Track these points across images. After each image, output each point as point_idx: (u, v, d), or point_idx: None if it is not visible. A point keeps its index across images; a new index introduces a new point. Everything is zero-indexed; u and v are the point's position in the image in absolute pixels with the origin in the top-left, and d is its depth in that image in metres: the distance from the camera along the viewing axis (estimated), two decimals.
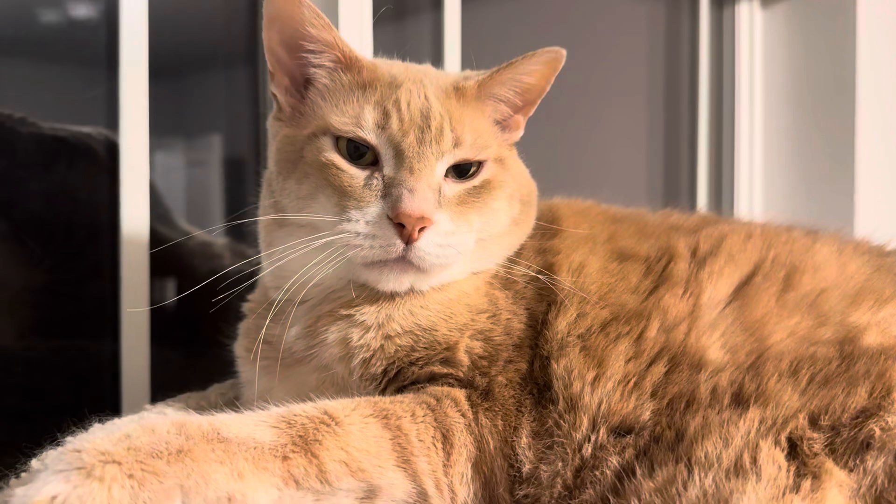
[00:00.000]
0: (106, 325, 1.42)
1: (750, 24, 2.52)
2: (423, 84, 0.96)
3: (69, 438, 0.73)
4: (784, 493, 0.70)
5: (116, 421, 0.76)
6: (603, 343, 0.88)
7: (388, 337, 0.93)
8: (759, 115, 2.50)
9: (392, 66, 1.01)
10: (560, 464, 0.83)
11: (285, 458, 0.76)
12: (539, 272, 0.96)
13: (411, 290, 0.94)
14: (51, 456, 0.71)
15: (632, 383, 0.84)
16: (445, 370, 0.91)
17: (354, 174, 0.92)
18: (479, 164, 0.96)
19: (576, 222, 1.05)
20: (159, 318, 1.46)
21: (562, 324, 0.91)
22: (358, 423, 0.82)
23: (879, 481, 0.71)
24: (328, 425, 0.80)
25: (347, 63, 0.97)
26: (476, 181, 0.96)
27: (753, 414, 0.77)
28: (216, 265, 1.62)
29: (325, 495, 0.78)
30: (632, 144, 2.49)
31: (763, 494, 0.70)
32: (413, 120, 0.92)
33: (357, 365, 0.93)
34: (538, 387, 0.88)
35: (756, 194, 2.48)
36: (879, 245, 1.02)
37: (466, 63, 1.78)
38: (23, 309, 1.45)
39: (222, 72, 1.74)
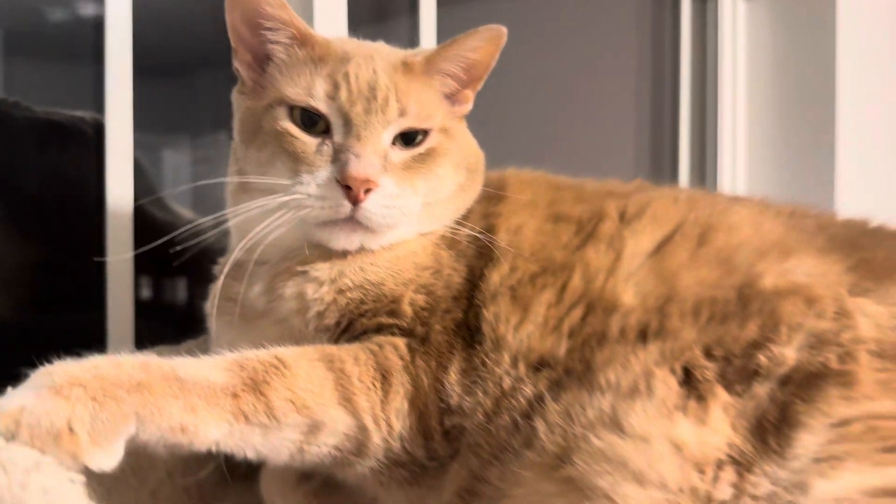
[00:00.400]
0: (94, 298, 1.50)
1: (733, 15, 2.58)
2: (372, 59, 1.04)
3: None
4: (671, 412, 0.78)
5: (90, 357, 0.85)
6: (530, 292, 0.95)
7: (340, 291, 1.01)
8: (742, 101, 2.57)
9: (345, 43, 1.09)
10: (482, 395, 0.91)
11: (235, 395, 0.84)
12: (480, 233, 1.04)
13: (361, 249, 1.02)
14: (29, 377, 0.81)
15: (551, 326, 0.92)
16: (391, 321, 1.00)
17: (307, 141, 1.00)
18: (425, 133, 1.04)
19: (521, 190, 1.12)
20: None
21: (495, 277, 0.98)
22: (305, 366, 0.90)
23: (763, 404, 0.77)
24: (277, 368, 0.88)
25: (302, 39, 1.04)
26: (421, 149, 1.03)
27: (653, 347, 0.84)
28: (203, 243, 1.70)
29: (273, 430, 0.86)
30: (618, 126, 2.57)
31: (651, 412, 0.78)
32: (361, 91, 1.00)
33: (312, 317, 1.01)
34: (470, 331, 0.96)
35: (739, 175, 2.55)
36: (803, 208, 1.09)
37: None
38: (18, 284, 1.54)
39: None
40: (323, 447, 0.90)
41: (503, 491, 0.86)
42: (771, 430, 0.75)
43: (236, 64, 1.10)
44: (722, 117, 2.55)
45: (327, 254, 1.03)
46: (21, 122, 1.52)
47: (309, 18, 1.59)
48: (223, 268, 1.17)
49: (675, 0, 2.58)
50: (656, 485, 0.74)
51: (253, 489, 1.12)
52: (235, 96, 1.13)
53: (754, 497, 0.72)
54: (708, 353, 0.82)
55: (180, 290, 1.71)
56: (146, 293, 1.58)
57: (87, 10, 1.53)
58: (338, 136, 1.00)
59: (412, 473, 0.94)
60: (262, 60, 1.08)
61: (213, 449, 0.85)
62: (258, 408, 0.85)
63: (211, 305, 1.16)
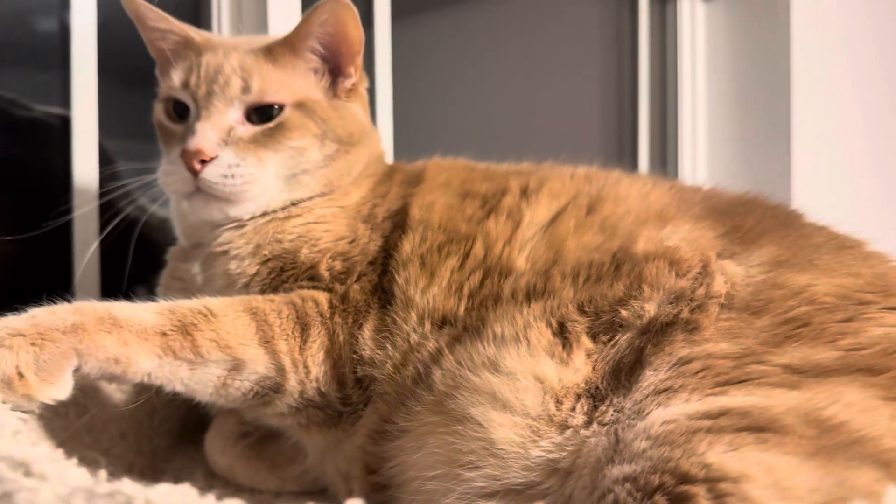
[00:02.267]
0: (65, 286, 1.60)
1: (692, 16, 2.68)
2: (235, 47, 1.16)
3: None
4: (539, 354, 0.88)
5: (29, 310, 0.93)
6: (437, 259, 1.05)
7: (261, 263, 1.12)
8: (702, 97, 2.67)
9: (225, 39, 1.22)
10: (391, 349, 1.01)
11: (164, 334, 0.94)
12: (399, 210, 1.15)
13: (230, 217, 1.13)
14: None
15: (453, 289, 1.02)
16: (311, 284, 1.09)
17: (173, 128, 1.15)
18: (281, 108, 1.13)
19: (438, 173, 1.22)
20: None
21: (407, 246, 1.08)
22: (231, 315, 1.00)
23: (622, 350, 0.87)
24: (205, 315, 0.98)
25: (184, 41, 1.18)
26: (271, 124, 1.12)
27: (536, 305, 0.94)
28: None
29: (199, 365, 0.95)
30: (582, 122, 2.67)
31: (523, 355, 0.88)
32: (207, 75, 1.12)
33: (240, 289, 1.11)
34: (385, 294, 1.06)
35: (699, 167, 2.64)
36: (695, 185, 1.19)
37: (397, 75, 1.96)
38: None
39: None
40: (245, 383, 0.99)
41: (406, 429, 0.95)
42: (625, 371, 0.85)
43: (157, 72, 1.25)
44: (682, 113, 2.66)
45: (242, 233, 1.14)
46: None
47: (263, 27, 1.69)
48: (172, 253, 1.28)
49: (635, 2, 2.68)
50: (520, 412, 0.84)
51: (200, 450, 1.21)
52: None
53: (601, 423, 0.81)
54: (581, 310, 0.92)
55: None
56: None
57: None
58: (191, 118, 1.13)
59: (328, 417, 1.04)
60: (167, 65, 1.20)
61: (146, 380, 0.94)
62: (185, 345, 0.94)
63: (162, 287, 1.27)
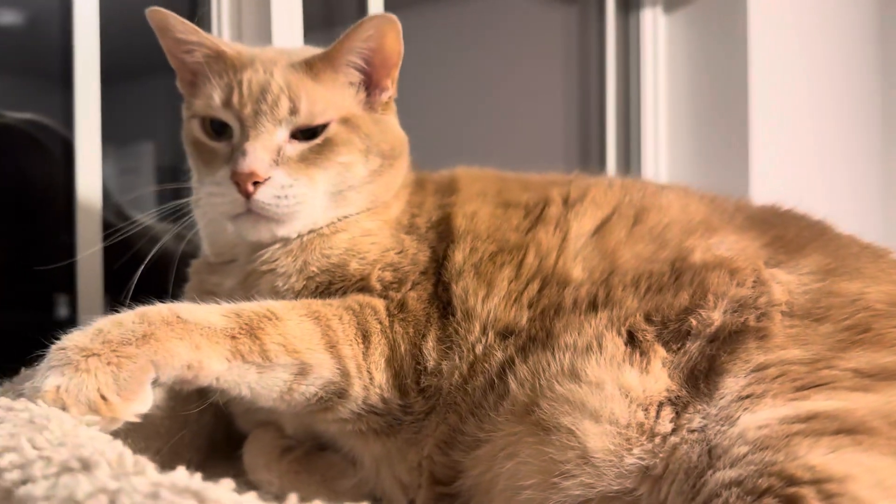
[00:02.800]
0: (64, 297, 1.56)
1: (654, 26, 2.77)
2: (274, 62, 1.13)
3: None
4: (619, 364, 0.91)
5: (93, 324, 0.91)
6: (491, 269, 1.07)
7: (308, 278, 1.11)
8: (663, 102, 2.76)
9: (260, 51, 1.18)
10: (458, 360, 1.02)
11: (233, 337, 0.93)
12: (440, 220, 1.16)
13: (278, 238, 1.12)
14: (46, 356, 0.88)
15: (513, 298, 1.03)
16: (363, 294, 1.09)
17: (214, 147, 1.12)
18: (325, 126, 1.11)
19: (471, 183, 1.23)
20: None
21: (459, 256, 1.09)
22: (295, 319, 1.00)
23: (694, 357, 0.91)
24: (270, 319, 0.97)
25: (215, 54, 1.15)
26: (318, 140, 1.10)
27: (602, 314, 0.97)
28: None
29: (267, 369, 0.95)
30: (553, 126, 2.73)
31: (603, 364, 0.91)
32: (252, 94, 1.09)
33: None
34: (442, 304, 1.07)
35: (661, 169, 2.74)
36: (723, 196, 1.24)
37: None
38: None
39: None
40: (310, 387, 0.99)
41: (480, 439, 0.97)
42: (702, 378, 0.89)
43: (178, 84, 1.22)
44: (644, 115, 2.75)
45: (288, 251, 1.13)
46: None
47: (266, 26, 1.68)
48: (196, 268, 1.26)
49: (601, 13, 2.75)
50: (609, 421, 0.87)
51: (231, 466, 1.19)
52: (183, 112, 1.23)
53: (690, 430, 0.85)
54: (648, 319, 0.96)
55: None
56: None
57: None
58: (235, 138, 1.11)
59: (388, 424, 1.04)
60: (194, 76, 1.18)
61: (213, 384, 0.93)
62: (253, 349, 0.94)
63: (188, 299, 1.25)
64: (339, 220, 1.15)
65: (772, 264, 1.01)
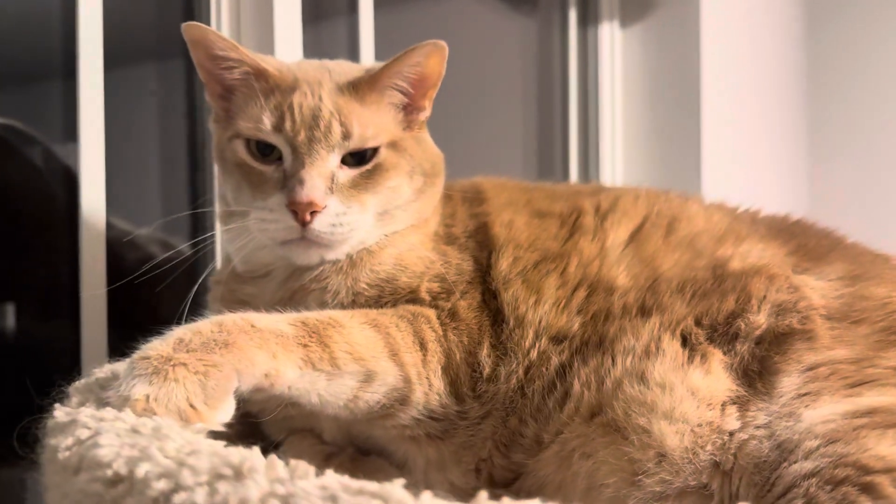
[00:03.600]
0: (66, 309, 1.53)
1: (611, 39, 2.88)
2: (320, 84, 1.12)
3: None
4: (683, 365, 0.97)
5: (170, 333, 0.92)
6: (537, 277, 1.11)
7: (357, 294, 1.12)
8: (619, 108, 2.89)
9: (298, 69, 1.16)
10: (514, 365, 1.06)
11: (305, 345, 0.94)
12: (477, 229, 1.19)
13: (326, 261, 1.12)
14: (123, 366, 0.88)
15: (562, 304, 1.08)
16: (414, 305, 1.12)
17: (262, 170, 1.10)
18: (375, 150, 1.12)
19: (497, 193, 1.26)
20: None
21: (504, 265, 1.13)
22: (357, 326, 1.01)
23: (745, 358, 0.98)
24: (334, 326, 0.99)
25: (256, 73, 1.13)
26: (369, 166, 1.11)
27: (654, 319, 1.02)
28: (142, 255, 1.74)
29: (335, 377, 0.97)
30: (519, 131, 2.82)
31: (668, 366, 0.96)
32: (304, 120, 1.08)
33: None
34: (492, 312, 1.10)
35: (618, 170, 2.87)
36: (736, 207, 1.31)
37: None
38: None
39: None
40: (374, 395, 1.01)
41: (543, 440, 1.02)
42: (757, 378, 0.96)
43: (207, 96, 1.20)
44: (602, 123, 2.88)
45: (337, 268, 1.13)
46: None
47: (269, 18, 1.68)
48: (220, 278, 1.26)
49: (563, 27, 2.85)
50: (682, 420, 0.93)
51: None
52: (211, 125, 1.22)
53: (756, 426, 0.91)
54: (698, 323, 1.02)
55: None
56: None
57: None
58: (287, 163, 1.09)
59: (444, 430, 1.07)
60: (228, 91, 1.17)
61: (286, 392, 0.94)
62: (323, 357, 0.95)
63: (213, 313, 1.23)
64: (386, 236, 1.16)
65: (798, 271, 1.08)
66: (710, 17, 2.73)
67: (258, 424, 1.15)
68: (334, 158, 1.09)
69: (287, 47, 1.71)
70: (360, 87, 1.13)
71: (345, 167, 1.10)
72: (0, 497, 1.53)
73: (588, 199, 1.22)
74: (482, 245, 1.17)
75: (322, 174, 1.07)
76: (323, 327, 0.98)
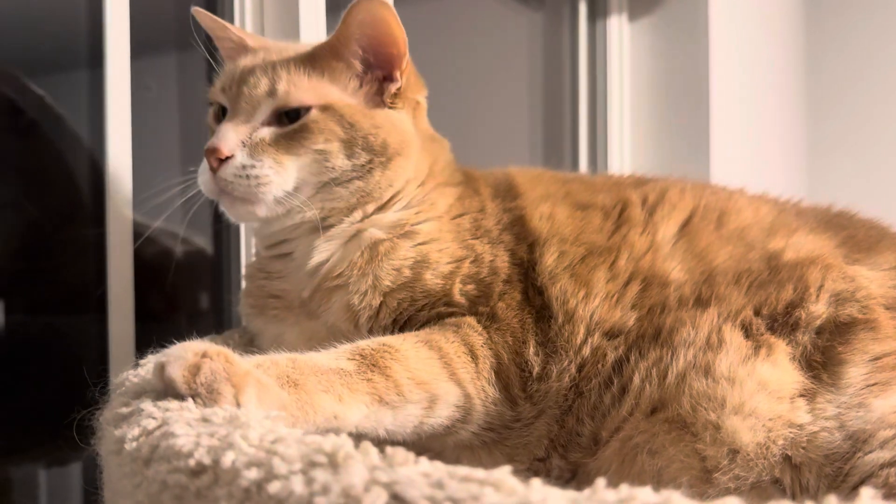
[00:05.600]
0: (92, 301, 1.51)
1: (619, 33, 2.88)
2: (279, 52, 1.15)
3: None
4: (749, 358, 0.96)
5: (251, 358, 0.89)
6: (585, 271, 1.09)
7: (385, 294, 1.09)
8: (628, 103, 2.89)
9: (277, 43, 1.22)
10: (566, 362, 1.04)
11: (369, 380, 0.92)
12: (512, 222, 1.16)
13: (259, 218, 1.13)
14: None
15: (614, 299, 1.06)
16: (451, 309, 1.09)
17: (214, 130, 1.16)
18: (307, 111, 1.10)
19: (531, 185, 1.23)
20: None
21: (549, 260, 1.10)
22: (411, 349, 0.99)
23: (807, 348, 0.97)
24: (390, 353, 0.96)
25: (240, 47, 1.20)
26: (294, 126, 1.09)
27: (713, 310, 1.01)
28: (154, 248, 1.71)
29: (401, 407, 0.94)
30: (530, 121, 2.83)
31: (734, 359, 0.95)
32: (237, 77, 1.13)
33: (365, 321, 1.10)
34: (535, 309, 1.08)
35: (625, 159, 2.87)
36: (778, 198, 1.30)
37: None
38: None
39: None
40: (438, 418, 0.99)
41: (601, 438, 1.00)
42: (821, 368, 0.95)
43: None
44: (611, 114, 2.88)
45: (361, 266, 1.11)
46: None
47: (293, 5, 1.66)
48: (252, 271, 1.25)
49: (573, 20, 2.85)
50: (753, 415, 0.92)
51: None
52: None
53: (825, 417, 0.91)
54: (757, 313, 1.01)
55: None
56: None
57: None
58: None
59: (499, 435, 1.05)
60: None
61: (353, 431, 0.90)
62: (389, 388, 0.93)
63: (245, 305, 1.23)
64: (394, 230, 1.13)
65: (849, 262, 1.07)
66: (718, 10, 2.73)
67: None
68: (259, 115, 1.11)
69: (311, 34, 1.69)
70: (315, 54, 1.13)
71: (273, 126, 1.11)
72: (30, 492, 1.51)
73: (633, 191, 1.20)
74: (519, 238, 1.14)
75: (237, 126, 1.10)
76: (380, 355, 0.96)
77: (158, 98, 1.80)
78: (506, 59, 2.79)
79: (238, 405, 0.78)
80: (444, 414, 0.99)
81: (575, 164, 2.83)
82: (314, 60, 1.12)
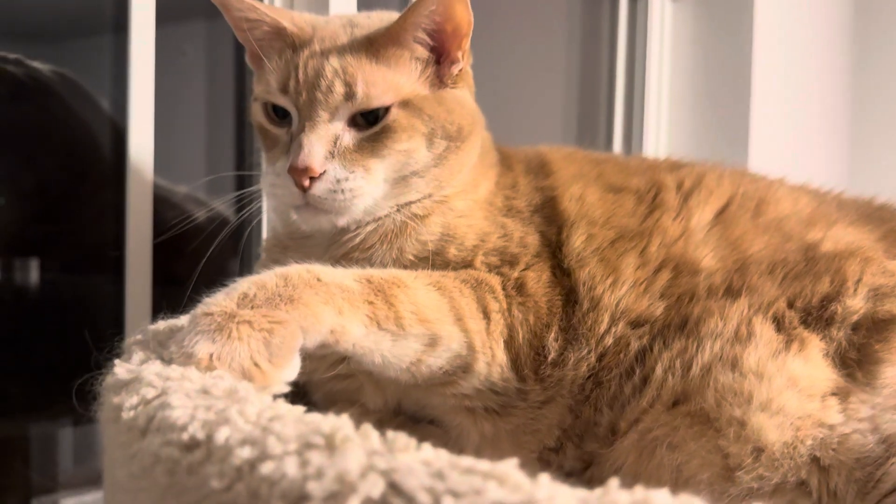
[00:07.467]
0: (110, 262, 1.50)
1: (661, 12, 2.80)
2: (334, 39, 1.06)
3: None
4: (779, 352, 0.91)
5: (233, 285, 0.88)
6: (614, 256, 1.04)
7: (405, 266, 1.06)
8: (667, 86, 2.82)
9: (318, 23, 1.11)
10: (585, 351, 1.00)
11: (370, 302, 0.90)
12: (543, 203, 1.12)
13: (339, 227, 1.07)
14: (184, 321, 0.83)
15: (643, 287, 1.02)
16: (473, 272, 1.05)
17: (275, 133, 1.08)
18: (387, 109, 1.04)
19: (564, 164, 1.19)
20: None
21: (577, 242, 1.06)
22: (421, 287, 0.97)
23: (842, 345, 0.92)
24: (399, 286, 0.94)
25: (275, 32, 1.09)
26: (377, 128, 1.04)
27: (743, 301, 0.97)
28: (177, 213, 1.70)
29: (400, 338, 0.92)
30: (566, 103, 2.78)
31: (763, 353, 0.90)
32: (307, 80, 1.03)
33: None
34: (564, 291, 1.04)
35: (661, 145, 2.81)
36: (818, 188, 1.25)
37: None
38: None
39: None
40: (438, 360, 0.96)
41: (619, 429, 0.96)
42: (856, 366, 0.90)
43: (247, 59, 1.16)
44: (648, 96, 2.82)
45: (383, 235, 1.08)
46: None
47: None
48: (267, 245, 1.22)
49: (613, 1, 2.79)
50: (780, 412, 0.87)
51: None
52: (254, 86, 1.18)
53: (859, 419, 0.86)
54: (790, 305, 0.96)
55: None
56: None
57: None
58: (294, 126, 1.06)
59: (503, 405, 1.02)
60: (259, 54, 1.12)
61: (350, 350, 0.90)
62: (389, 316, 0.91)
63: None
64: (430, 201, 1.09)
65: (890, 256, 1.02)
66: None
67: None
68: (338, 120, 1.03)
69: (341, 5, 1.65)
70: (375, 42, 1.06)
71: (352, 129, 1.04)
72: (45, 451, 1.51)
73: (668, 175, 1.15)
74: (550, 220, 1.10)
75: (322, 138, 1.02)
76: (388, 286, 0.93)
77: (185, 62, 1.78)
78: (543, 35, 2.73)
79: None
80: (444, 357, 0.97)
81: (609, 145, 2.78)
82: (377, 50, 1.05)
